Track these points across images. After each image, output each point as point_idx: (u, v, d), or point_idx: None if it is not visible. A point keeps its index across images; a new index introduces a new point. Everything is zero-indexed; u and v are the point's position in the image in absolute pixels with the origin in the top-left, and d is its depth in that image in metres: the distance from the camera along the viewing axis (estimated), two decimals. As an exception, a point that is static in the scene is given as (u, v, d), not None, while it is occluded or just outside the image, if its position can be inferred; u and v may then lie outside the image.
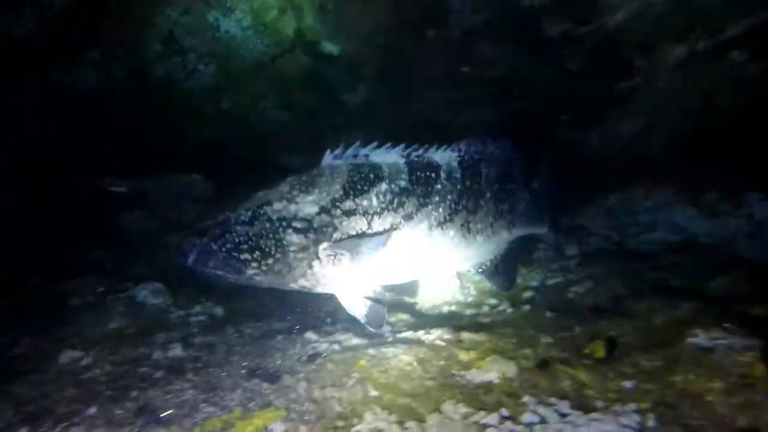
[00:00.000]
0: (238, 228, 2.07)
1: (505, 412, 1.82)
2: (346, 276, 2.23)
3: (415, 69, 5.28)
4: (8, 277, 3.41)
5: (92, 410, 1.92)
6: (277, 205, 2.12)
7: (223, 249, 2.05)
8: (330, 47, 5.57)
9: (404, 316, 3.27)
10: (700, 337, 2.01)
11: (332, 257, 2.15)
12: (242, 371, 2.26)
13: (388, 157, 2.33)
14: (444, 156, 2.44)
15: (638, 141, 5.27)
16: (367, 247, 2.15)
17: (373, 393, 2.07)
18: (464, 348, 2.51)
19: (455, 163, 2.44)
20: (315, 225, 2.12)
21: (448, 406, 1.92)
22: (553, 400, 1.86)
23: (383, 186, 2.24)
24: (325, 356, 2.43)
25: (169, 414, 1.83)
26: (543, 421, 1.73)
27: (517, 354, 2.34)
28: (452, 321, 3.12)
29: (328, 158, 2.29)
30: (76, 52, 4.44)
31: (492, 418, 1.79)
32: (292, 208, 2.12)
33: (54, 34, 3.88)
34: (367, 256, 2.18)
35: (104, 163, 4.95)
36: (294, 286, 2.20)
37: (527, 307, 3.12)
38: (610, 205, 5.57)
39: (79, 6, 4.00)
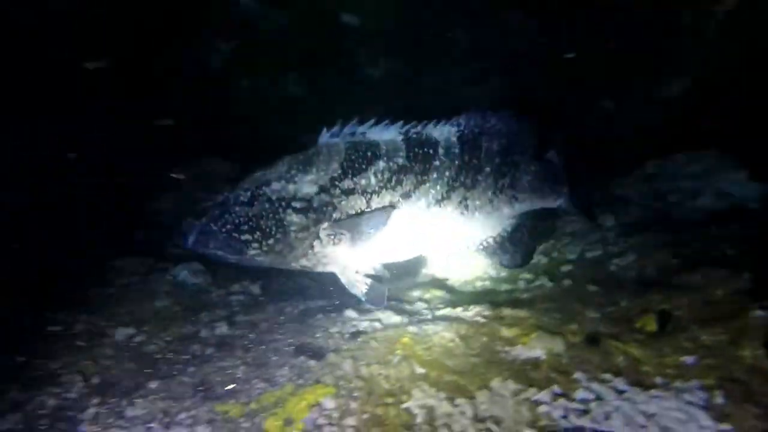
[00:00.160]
0: (238, 208, 2.06)
1: (557, 388, 1.79)
2: (346, 255, 2.23)
3: (437, 39, 5.02)
4: (56, 258, 3.57)
5: (153, 384, 2.01)
6: (275, 185, 2.11)
7: (224, 230, 2.04)
8: (349, 18, 5.31)
9: (439, 293, 3.26)
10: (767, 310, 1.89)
11: (332, 237, 2.15)
12: (288, 348, 2.32)
13: (386, 134, 2.29)
14: (443, 131, 2.37)
15: (680, 103, 4.90)
16: (367, 227, 2.15)
17: (419, 370, 2.08)
18: (506, 324, 2.48)
19: (454, 138, 2.37)
20: (315, 205, 2.12)
21: (496, 383, 1.91)
22: (607, 376, 1.82)
23: (381, 164, 2.21)
24: (368, 334, 2.45)
25: (231, 388, 1.90)
26: (599, 397, 1.70)
27: (562, 329, 2.28)
28: (488, 297, 3.09)
29: (324, 136, 2.25)
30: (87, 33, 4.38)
31: (544, 395, 1.77)
32: (291, 187, 2.11)
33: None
34: (367, 236, 2.17)
35: (130, 148, 5.00)
36: (295, 265, 2.21)
37: (567, 281, 3.03)
38: (648, 173, 5.28)
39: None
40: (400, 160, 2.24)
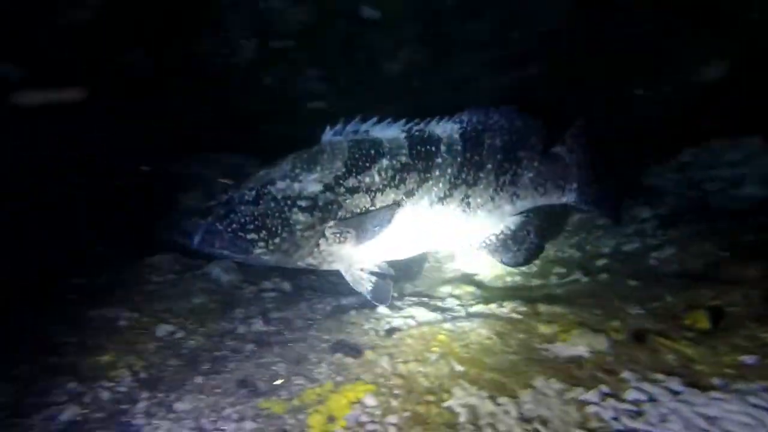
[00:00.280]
0: (243, 208, 2.06)
1: (604, 388, 1.74)
2: (352, 253, 2.22)
3: (459, 29, 4.89)
4: (92, 255, 3.71)
5: (198, 379, 2.07)
6: (280, 184, 2.11)
7: (229, 229, 2.04)
8: (369, 12, 5.24)
9: (469, 289, 3.22)
10: (834, 309, 1.77)
11: (338, 235, 2.15)
12: (324, 345, 2.34)
13: (388, 132, 2.28)
14: (445, 129, 2.35)
15: (719, 87, 4.63)
16: (372, 225, 2.14)
17: (458, 368, 2.06)
18: (543, 321, 2.43)
19: (456, 136, 2.34)
20: (320, 203, 2.11)
21: (539, 382, 1.87)
22: (659, 376, 1.75)
23: (384, 162, 2.20)
24: (403, 331, 2.44)
25: (279, 383, 1.92)
26: (652, 399, 1.64)
27: (605, 326, 2.22)
28: (521, 292, 3.03)
29: (328, 134, 2.24)
30: (129, 36, 4.48)
31: (592, 395, 1.72)
32: (296, 186, 2.11)
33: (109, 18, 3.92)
34: (373, 234, 2.16)
35: (154, 145, 5.11)
36: (301, 264, 2.22)
37: (604, 275, 2.94)
38: (683, 161, 5.05)
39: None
40: (404, 158, 2.23)
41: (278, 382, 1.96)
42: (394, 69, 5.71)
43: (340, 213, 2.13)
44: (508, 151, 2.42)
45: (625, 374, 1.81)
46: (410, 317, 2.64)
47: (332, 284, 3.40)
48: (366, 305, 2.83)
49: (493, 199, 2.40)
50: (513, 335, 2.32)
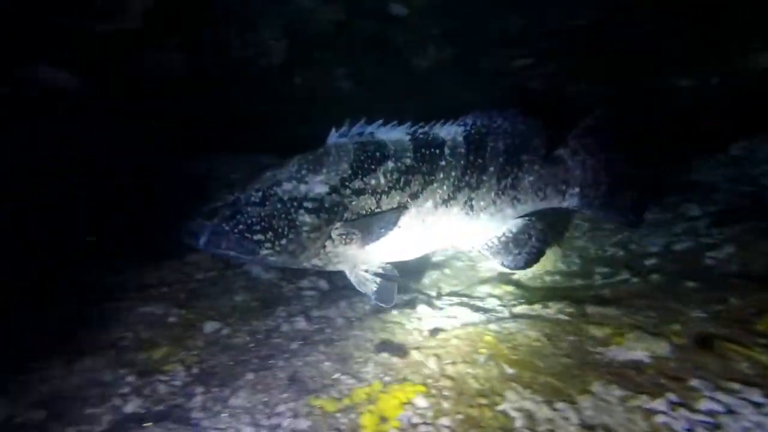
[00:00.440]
0: (250, 209, 2.07)
1: (673, 397, 1.65)
2: (357, 254, 2.23)
3: (486, 24, 4.78)
4: (134, 254, 3.85)
5: (249, 376, 2.12)
6: (287, 185, 2.12)
7: (236, 230, 2.05)
8: (398, 9, 5.20)
9: (509, 288, 3.14)
10: None
11: (344, 236, 2.16)
12: (368, 344, 2.34)
13: (393, 134, 2.30)
14: (449, 131, 2.36)
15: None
16: (378, 227, 2.16)
17: (509, 370, 2.01)
18: (593, 323, 2.34)
19: (461, 138, 2.35)
20: (326, 205, 2.13)
21: (598, 387, 1.80)
22: (734, 386, 1.64)
23: (390, 164, 2.22)
24: (447, 331, 2.41)
25: (331, 380, 1.93)
26: (730, 410, 1.53)
27: (663, 330, 2.11)
28: (564, 293, 2.93)
29: (333, 136, 2.25)
30: (163, 37, 4.64)
31: (659, 404, 1.63)
32: (303, 188, 2.13)
33: (146, 21, 4.07)
34: (378, 236, 2.17)
35: (184, 144, 5.26)
36: (306, 265, 2.24)
37: (656, 276, 2.80)
38: (733, 155, 4.74)
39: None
40: (408, 160, 2.25)
41: (335, 376, 1.97)
42: (423, 65, 5.65)
43: (346, 215, 2.15)
44: (511, 155, 2.42)
45: (694, 382, 1.71)
46: (453, 317, 2.60)
47: (369, 283, 3.40)
48: (407, 305, 2.81)
49: (495, 202, 2.41)
50: (562, 337, 2.24)
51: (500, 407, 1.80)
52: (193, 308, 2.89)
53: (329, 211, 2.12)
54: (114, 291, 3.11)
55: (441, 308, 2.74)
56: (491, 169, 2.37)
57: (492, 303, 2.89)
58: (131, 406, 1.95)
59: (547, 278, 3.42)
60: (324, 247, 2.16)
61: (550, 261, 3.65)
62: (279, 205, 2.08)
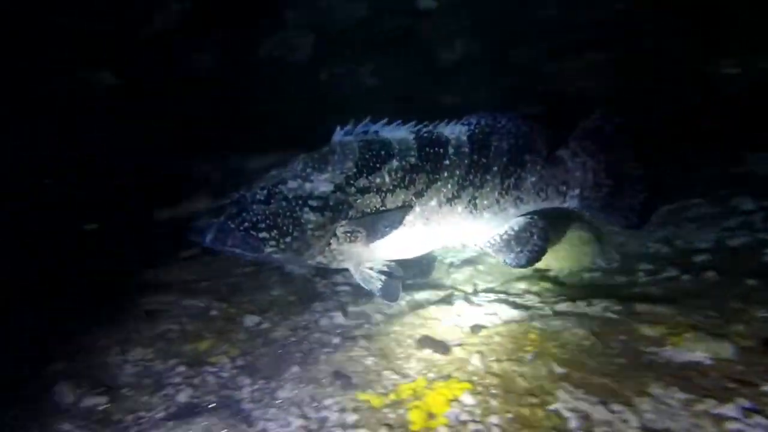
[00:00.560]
0: (255, 207, 2.10)
1: (744, 402, 1.55)
2: (361, 252, 2.26)
3: (514, 17, 4.64)
4: (170, 249, 3.97)
5: (294, 369, 2.15)
6: (291, 184, 2.15)
7: (241, 228, 2.08)
8: (427, 3, 5.12)
9: (547, 285, 3.06)
10: None
11: (349, 234, 2.18)
12: (409, 340, 2.32)
13: (398, 133, 2.31)
14: (453, 131, 2.39)
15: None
16: (382, 225, 2.18)
17: (558, 370, 1.95)
18: (645, 321, 2.24)
19: (464, 138, 2.38)
20: (330, 203, 2.15)
21: (657, 390, 1.72)
22: (813, 393, 1.53)
23: (394, 163, 2.24)
24: (489, 328, 2.37)
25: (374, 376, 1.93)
26: (811, 419, 1.43)
27: (725, 330, 1.99)
28: (606, 290, 2.82)
29: (338, 135, 2.26)
30: (196, 38, 4.76)
31: (729, 409, 1.54)
32: (307, 186, 2.15)
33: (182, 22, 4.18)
34: (383, 234, 2.19)
35: (216, 142, 5.37)
36: (311, 262, 2.26)
37: (712, 273, 2.65)
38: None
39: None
40: (413, 159, 2.27)
41: (371, 376, 1.97)
42: (450, 59, 5.55)
43: (350, 213, 2.17)
44: (514, 155, 2.44)
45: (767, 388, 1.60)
46: (493, 314, 2.55)
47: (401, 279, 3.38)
48: (443, 301, 2.78)
49: (498, 201, 2.43)
50: (612, 336, 2.16)
51: (552, 407, 1.75)
52: (233, 302, 2.96)
53: (334, 210, 2.14)
54: (158, 286, 3.22)
55: (480, 305, 2.69)
56: (495, 168, 2.39)
57: (531, 300, 2.81)
58: (184, 396, 2.02)
59: (586, 275, 3.31)
60: (329, 244, 2.19)
61: (587, 257, 3.53)
62: (284, 203, 2.11)
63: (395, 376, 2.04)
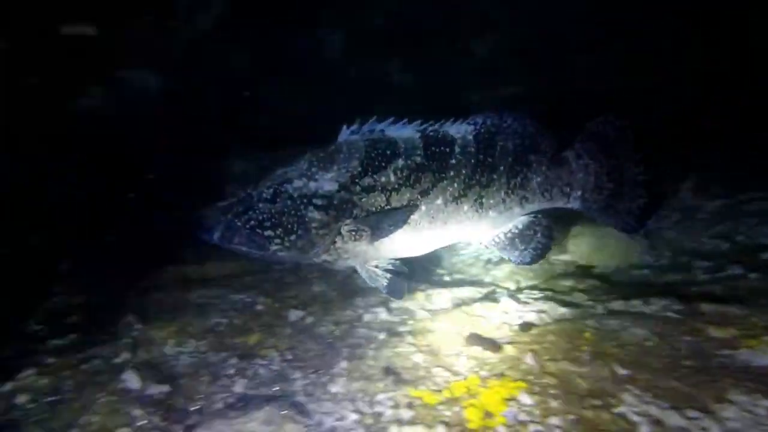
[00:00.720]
0: (261, 205, 2.12)
1: (841, 412, 1.42)
2: (366, 250, 2.25)
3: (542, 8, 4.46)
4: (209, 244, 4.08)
5: (344, 364, 2.16)
6: (297, 183, 2.16)
7: (247, 226, 2.10)
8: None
9: (594, 283, 2.93)
10: None
11: (354, 233, 2.18)
12: (457, 337, 2.28)
13: (404, 132, 2.30)
14: (459, 130, 2.38)
15: None
16: (387, 224, 2.18)
17: (621, 371, 1.86)
18: (711, 322, 2.10)
19: (470, 137, 2.37)
20: (335, 202, 2.16)
21: (737, 396, 1.60)
22: None
23: (400, 162, 2.24)
24: (539, 326, 2.29)
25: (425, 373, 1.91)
26: None
27: (809, 334, 1.83)
28: (662, 288, 2.66)
29: (344, 134, 2.26)
30: (230, 37, 4.86)
31: (823, 419, 1.41)
32: (313, 185, 2.17)
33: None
34: (388, 233, 2.19)
35: (247, 140, 5.48)
36: (316, 260, 2.26)
37: (784, 272, 2.45)
38: None
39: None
40: (419, 158, 2.26)
41: (421, 372, 1.95)
42: (480, 52, 5.40)
43: (355, 212, 2.18)
44: (520, 155, 2.43)
45: None
46: (542, 312, 2.47)
47: (439, 276, 3.34)
48: (488, 298, 2.72)
49: (504, 201, 2.42)
50: (677, 337, 2.04)
51: (618, 410, 1.67)
52: (277, 297, 3.01)
53: (339, 208, 2.15)
54: (205, 281, 3.33)
55: (526, 302, 2.61)
56: (501, 168, 2.38)
57: (580, 298, 2.71)
58: (239, 387, 2.07)
59: (635, 272, 3.16)
60: (334, 243, 2.19)
61: (634, 253, 3.36)
62: (289, 202, 2.13)
63: (446, 373, 2.01)
